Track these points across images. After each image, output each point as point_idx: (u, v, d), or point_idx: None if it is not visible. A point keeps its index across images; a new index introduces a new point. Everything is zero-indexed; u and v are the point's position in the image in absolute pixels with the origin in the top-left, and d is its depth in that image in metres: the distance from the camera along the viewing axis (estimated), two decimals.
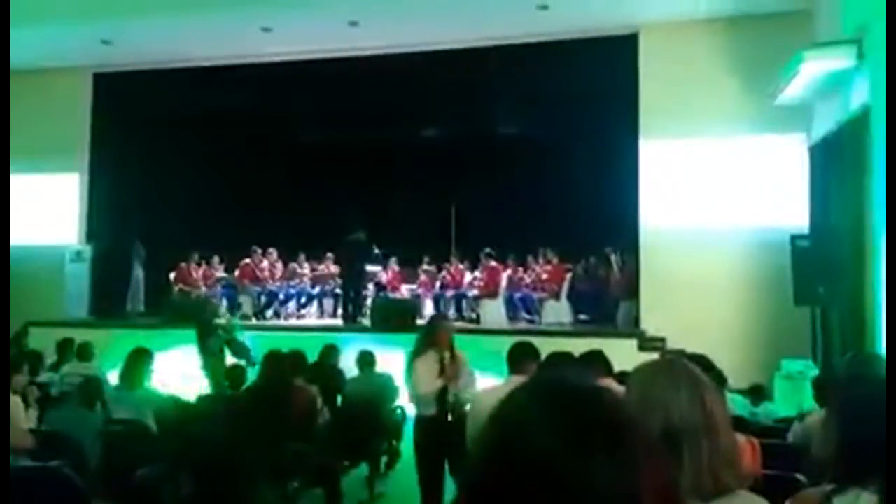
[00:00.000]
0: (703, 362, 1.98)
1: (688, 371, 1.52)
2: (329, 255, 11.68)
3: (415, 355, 4.80)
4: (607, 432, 0.72)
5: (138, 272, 11.41)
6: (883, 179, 5.45)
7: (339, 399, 6.45)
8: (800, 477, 2.83)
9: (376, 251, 10.78)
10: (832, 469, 1.53)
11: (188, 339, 9.33)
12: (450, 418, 4.55)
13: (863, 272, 6.16)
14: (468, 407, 4.23)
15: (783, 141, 8.57)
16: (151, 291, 11.46)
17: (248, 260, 11.50)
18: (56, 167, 11.20)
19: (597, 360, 3.88)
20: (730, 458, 1.46)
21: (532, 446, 0.71)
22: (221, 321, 8.07)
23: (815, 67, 6.76)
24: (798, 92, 7.41)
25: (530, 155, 11.65)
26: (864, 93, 6.16)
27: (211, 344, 7.40)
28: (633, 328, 9.20)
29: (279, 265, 11.79)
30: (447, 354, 4.69)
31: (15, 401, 4.37)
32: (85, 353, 6.74)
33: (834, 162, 7.12)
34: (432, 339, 4.77)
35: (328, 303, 11.73)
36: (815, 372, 6.54)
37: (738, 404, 4.93)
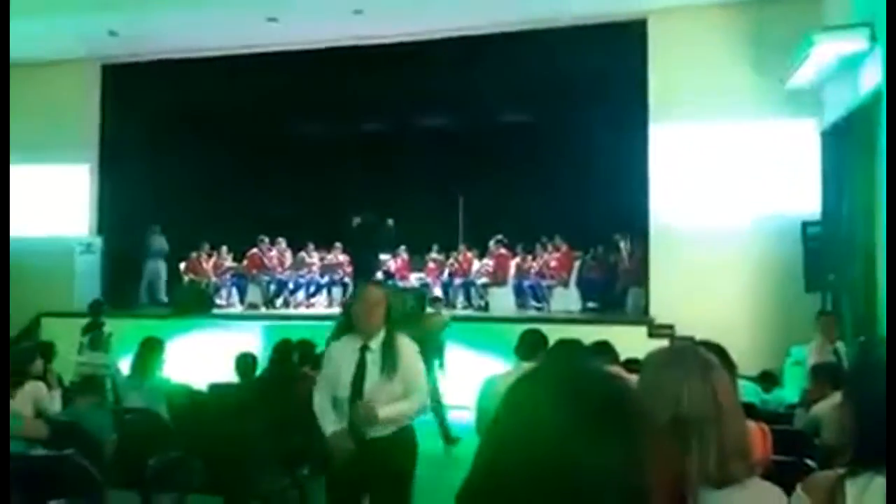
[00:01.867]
0: (716, 350, 1.97)
1: (699, 358, 1.51)
2: (337, 244, 11.71)
3: (329, 341, 3.65)
4: (616, 419, 0.72)
5: (156, 264, 11.33)
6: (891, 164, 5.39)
7: None
8: (810, 462, 2.83)
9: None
10: (848, 453, 1.55)
11: (198, 328, 9.42)
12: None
13: (874, 259, 6.11)
14: (477, 394, 3.75)
15: (794, 126, 8.48)
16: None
17: (255, 250, 11.54)
18: (66, 159, 11.25)
19: (603, 350, 3.87)
20: (740, 448, 1.46)
21: (541, 433, 0.71)
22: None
23: (826, 51, 6.67)
24: (809, 76, 7.32)
25: (538, 142, 11.60)
26: (876, 76, 6.08)
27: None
28: (642, 315, 9.18)
29: (288, 255, 11.84)
30: (374, 343, 3.11)
31: (37, 385, 4.44)
32: (98, 343, 6.79)
33: (846, 147, 7.04)
34: (349, 318, 3.32)
35: (337, 291, 11.77)
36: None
37: (748, 391, 4.93)
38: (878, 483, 1.43)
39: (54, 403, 4.63)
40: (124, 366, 5.73)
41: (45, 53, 10.66)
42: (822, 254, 6.87)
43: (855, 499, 1.44)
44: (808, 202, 7.94)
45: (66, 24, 9.98)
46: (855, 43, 6.41)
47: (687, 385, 1.45)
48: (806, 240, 7.12)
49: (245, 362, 5.57)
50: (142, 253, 11.37)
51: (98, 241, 11.14)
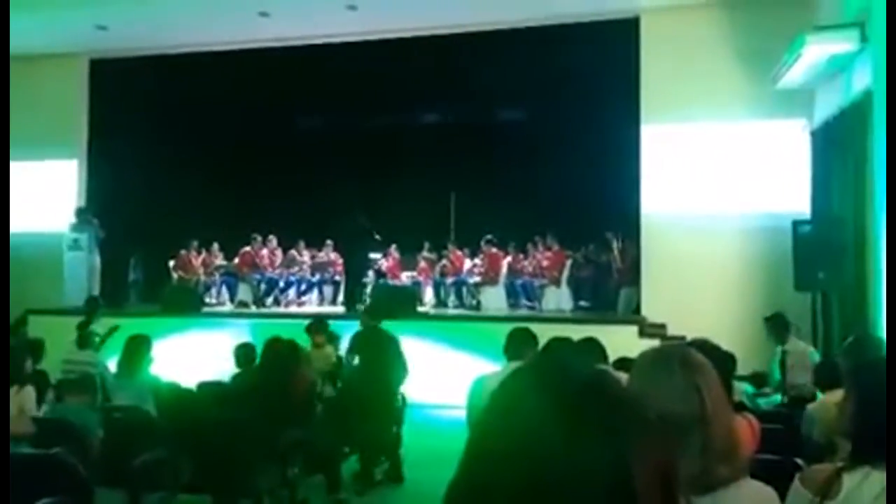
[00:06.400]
0: (710, 348, 1.97)
1: (683, 359, 1.49)
2: (328, 242, 11.67)
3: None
4: (603, 415, 0.71)
5: (94, 257, 10.53)
6: (884, 163, 5.42)
7: (339, 385, 6.46)
8: (799, 461, 2.83)
9: (377, 237, 10.72)
10: (839, 451, 1.60)
11: (187, 326, 9.37)
12: None
13: (864, 257, 6.14)
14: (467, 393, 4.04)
15: (785, 125, 8.52)
16: (151, 279, 11.46)
17: (247, 248, 11.48)
18: (54, 154, 11.16)
19: (591, 348, 3.86)
20: (727, 450, 1.44)
21: (527, 430, 0.70)
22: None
23: (817, 51, 6.70)
24: (800, 76, 7.36)
25: (531, 140, 11.61)
26: (867, 77, 6.11)
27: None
28: (633, 314, 9.20)
29: (279, 253, 11.79)
30: None
31: (27, 389, 4.43)
32: (86, 341, 6.73)
33: (836, 147, 7.08)
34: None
35: (328, 290, 11.74)
36: (815, 357, 6.53)
37: (738, 390, 4.93)
38: (875, 477, 1.46)
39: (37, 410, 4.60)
40: (113, 364, 5.69)
41: (33, 47, 10.55)
42: (811, 252, 6.88)
43: (851, 491, 1.46)
44: (798, 201, 7.99)
45: (54, 18, 9.89)
46: (845, 43, 6.44)
47: (670, 387, 1.44)
48: (796, 239, 7.15)
49: (244, 352, 5.62)
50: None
51: (85, 237, 11.00)
